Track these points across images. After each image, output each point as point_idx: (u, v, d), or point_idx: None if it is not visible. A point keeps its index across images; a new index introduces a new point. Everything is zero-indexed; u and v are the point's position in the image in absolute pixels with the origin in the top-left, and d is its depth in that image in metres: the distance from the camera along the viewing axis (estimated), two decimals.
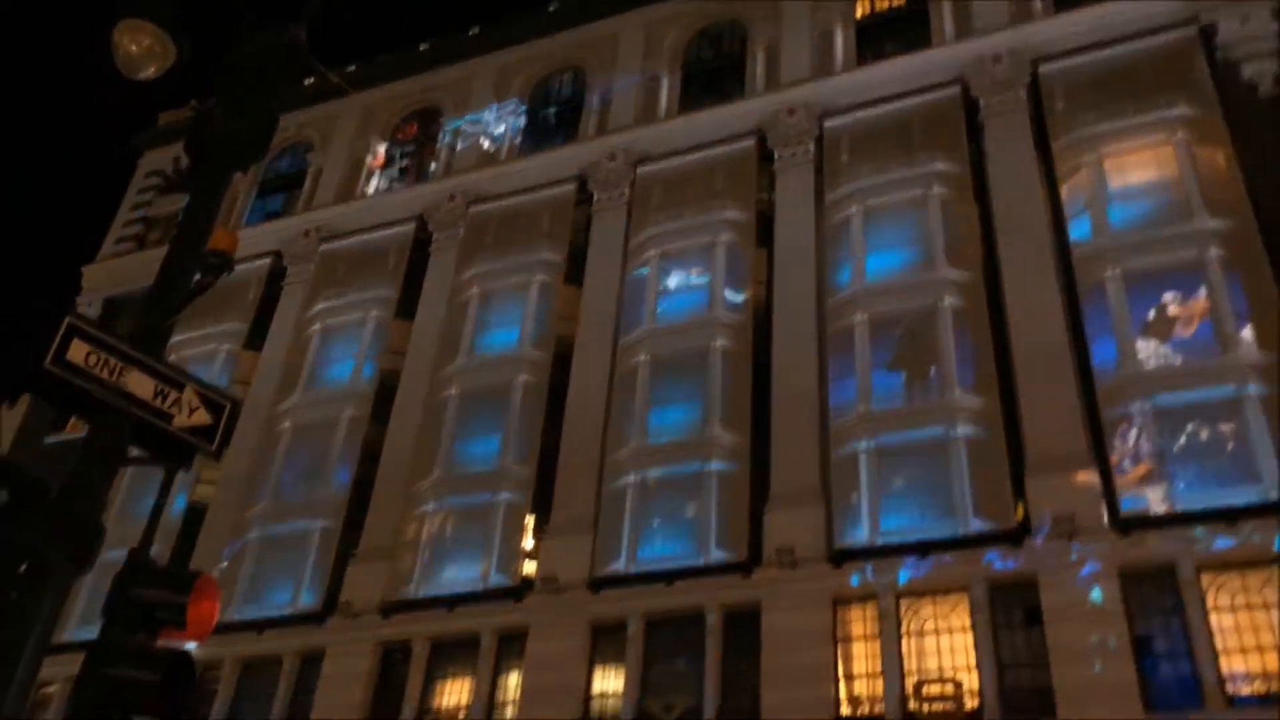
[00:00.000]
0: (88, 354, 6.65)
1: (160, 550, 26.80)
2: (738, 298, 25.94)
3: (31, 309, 6.65)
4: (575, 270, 28.59)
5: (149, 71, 8.11)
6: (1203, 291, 21.19)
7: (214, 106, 8.15)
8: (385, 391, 28.94)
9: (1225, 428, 19.63)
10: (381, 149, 35.52)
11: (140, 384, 6.84)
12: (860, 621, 20.84)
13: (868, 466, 21.96)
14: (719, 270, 26.47)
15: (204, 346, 32.15)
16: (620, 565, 23.03)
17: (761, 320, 25.25)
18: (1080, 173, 23.78)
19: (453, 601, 24.19)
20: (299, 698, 24.67)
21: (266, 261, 33.33)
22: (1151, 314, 21.39)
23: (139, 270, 32.65)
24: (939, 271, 23.77)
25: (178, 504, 28.69)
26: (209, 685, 25.30)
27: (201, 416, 7.14)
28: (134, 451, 7.21)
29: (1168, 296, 21.38)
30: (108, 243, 38.08)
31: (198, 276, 7.73)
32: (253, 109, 7.87)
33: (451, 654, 24.00)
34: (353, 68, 36.89)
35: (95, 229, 39.26)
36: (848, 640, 20.76)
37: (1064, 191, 23.76)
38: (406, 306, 30.40)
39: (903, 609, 20.57)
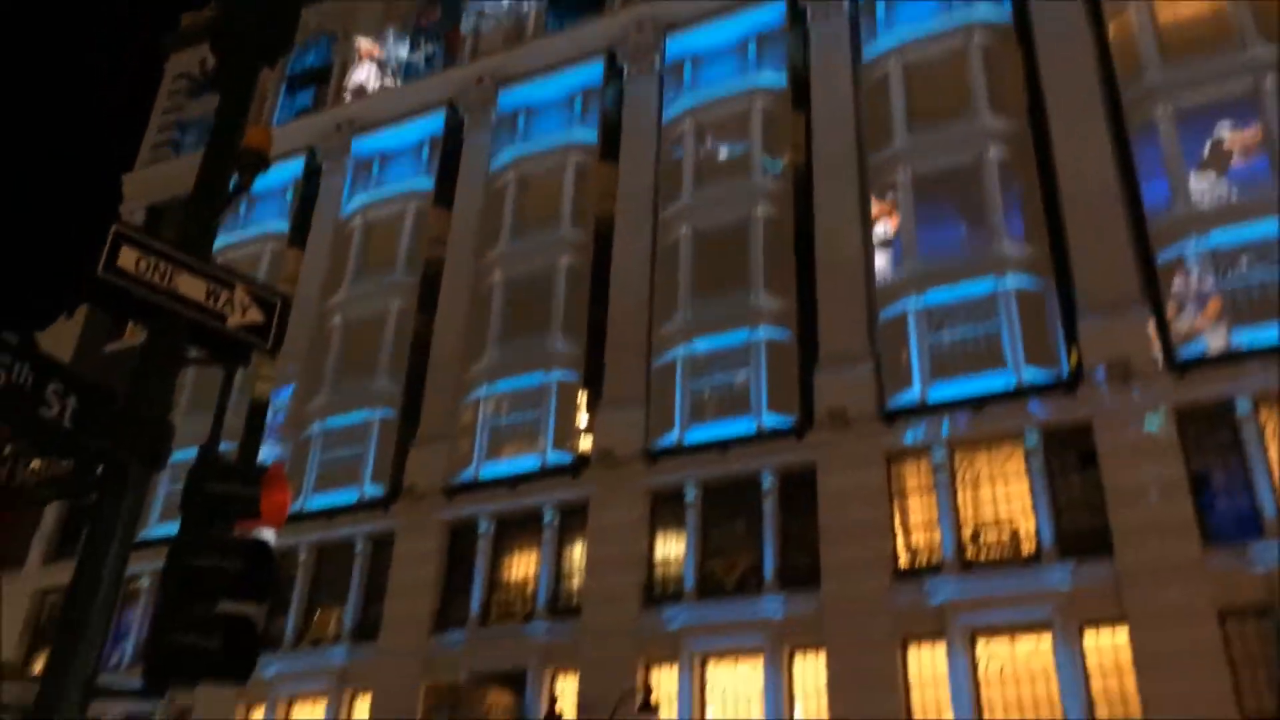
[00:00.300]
0: (137, 260, 6.77)
1: (230, 449, 27.73)
2: (777, 164, 25.53)
3: (78, 222, 6.76)
4: (610, 147, 28.22)
5: None
6: (1257, 122, 20.46)
7: (234, 2, 8.05)
8: (430, 281, 29.15)
9: (1274, 264, 19.18)
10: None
11: (191, 286, 6.98)
12: (915, 475, 21.09)
13: (917, 324, 21.87)
14: (756, 137, 26.00)
15: (248, 248, 32.54)
16: (674, 436, 23.38)
17: (803, 184, 24.85)
18: (1127, 11, 22.77)
19: (514, 481, 24.82)
20: (373, 578, 25.73)
21: (301, 159, 33.29)
22: (1205, 150, 20.73)
23: (178, 175, 32.86)
24: (983, 121, 23.13)
25: (241, 403, 29.50)
26: (288, 571, 26.41)
27: (254, 315, 7.28)
28: (192, 353, 7.39)
29: (1221, 130, 20.67)
30: (144, 150, 38.24)
31: (236, 176, 7.75)
32: (273, 1, 7.77)
33: (516, 530, 24.76)
34: None
35: (133, 137, 39.31)
36: (903, 495, 21.05)
37: (1111, 30, 22.80)
38: (444, 194, 30.32)
39: (957, 461, 20.75)
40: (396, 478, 26.35)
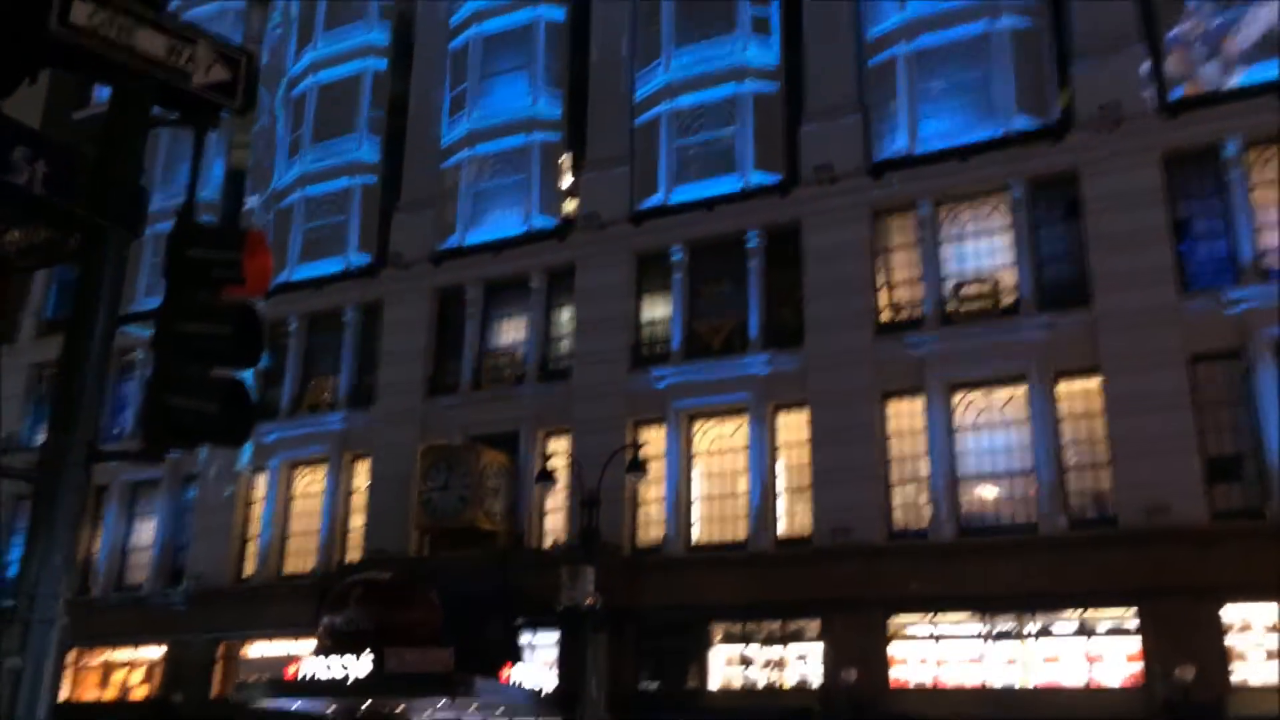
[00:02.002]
0: (91, 13, 6.40)
1: (208, 220, 27.38)
2: None
3: None
4: None
5: None
6: None
7: None
8: (402, 37, 27.93)
9: None
10: None
11: (151, 41, 6.63)
12: (900, 231, 21.12)
13: (906, 72, 21.25)
14: None
15: (211, 3, 30.90)
16: (660, 197, 23.15)
17: None
18: None
19: (499, 246, 24.73)
20: (365, 345, 26.09)
21: None
22: None
23: None
24: None
25: (217, 171, 28.93)
26: (280, 341, 26.72)
27: (219, 72, 6.95)
28: (161, 114, 7.12)
29: None
30: None
31: None
32: None
33: (504, 295, 24.92)
34: None
35: None
36: (887, 250, 21.14)
37: None
38: None
39: (941, 214, 20.71)
40: (382, 245, 26.23)
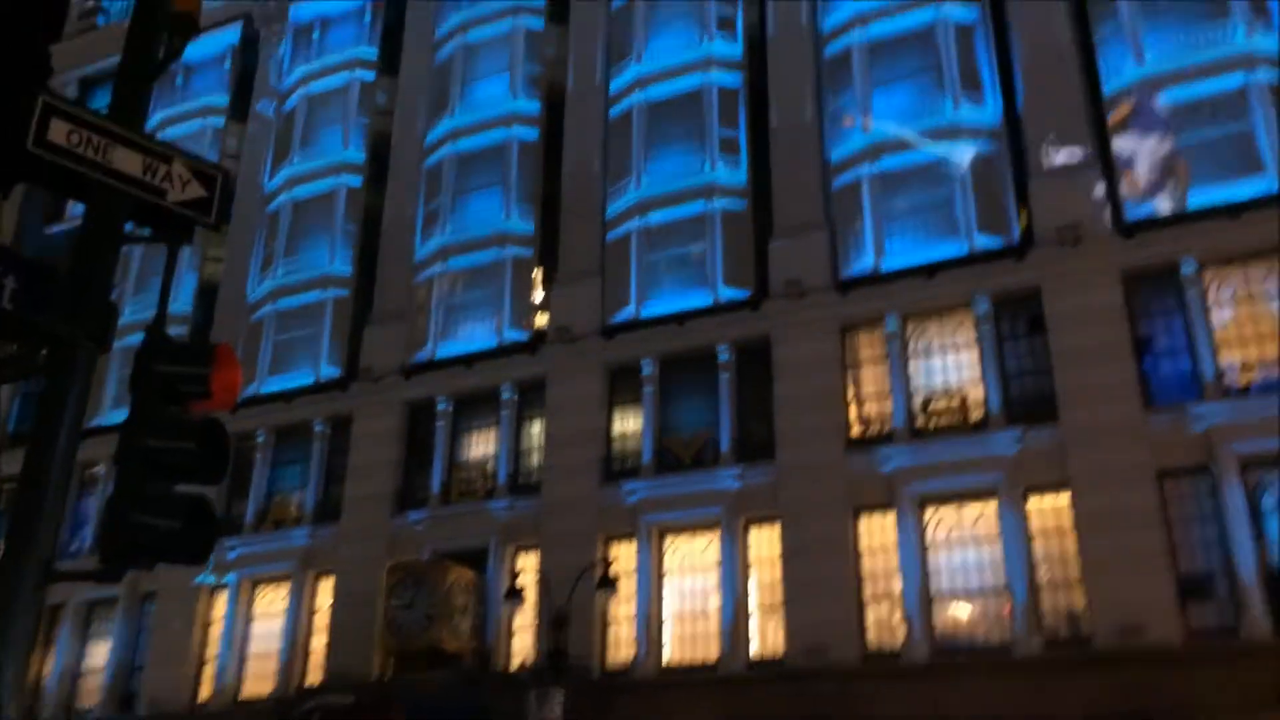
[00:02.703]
0: (69, 133, 6.49)
1: (178, 333, 27.32)
2: (730, 27, 24.86)
3: (5, 95, 6.41)
4: (559, 8, 27.29)
5: None
6: None
7: None
8: (378, 154, 28.43)
9: (1230, 119, 19.27)
10: None
11: (127, 159, 6.72)
12: (869, 346, 21.33)
13: (870, 192, 21.80)
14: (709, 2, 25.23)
15: (188, 122, 31.41)
16: (631, 310, 23.36)
17: (757, 51, 24.31)
18: None
19: (470, 359, 24.75)
20: (333, 459, 25.79)
21: (238, 26, 31.92)
22: (1156, 8, 20.48)
23: (109, 44, 31.38)
24: None
25: (189, 285, 28.99)
26: (247, 455, 26.38)
27: (195, 189, 7.04)
28: (135, 231, 7.16)
29: None
30: (71, 19, 36.41)
31: (165, 42, 7.39)
32: None
33: (474, 408, 24.82)
34: None
35: (59, 5, 37.30)
36: (856, 365, 21.32)
37: None
38: (389, 63, 29.31)
39: (909, 330, 20.99)
40: (353, 358, 26.17)
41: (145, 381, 6.60)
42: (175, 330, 26.89)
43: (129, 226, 7.00)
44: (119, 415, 24.33)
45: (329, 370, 26.43)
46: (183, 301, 28.43)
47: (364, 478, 24.85)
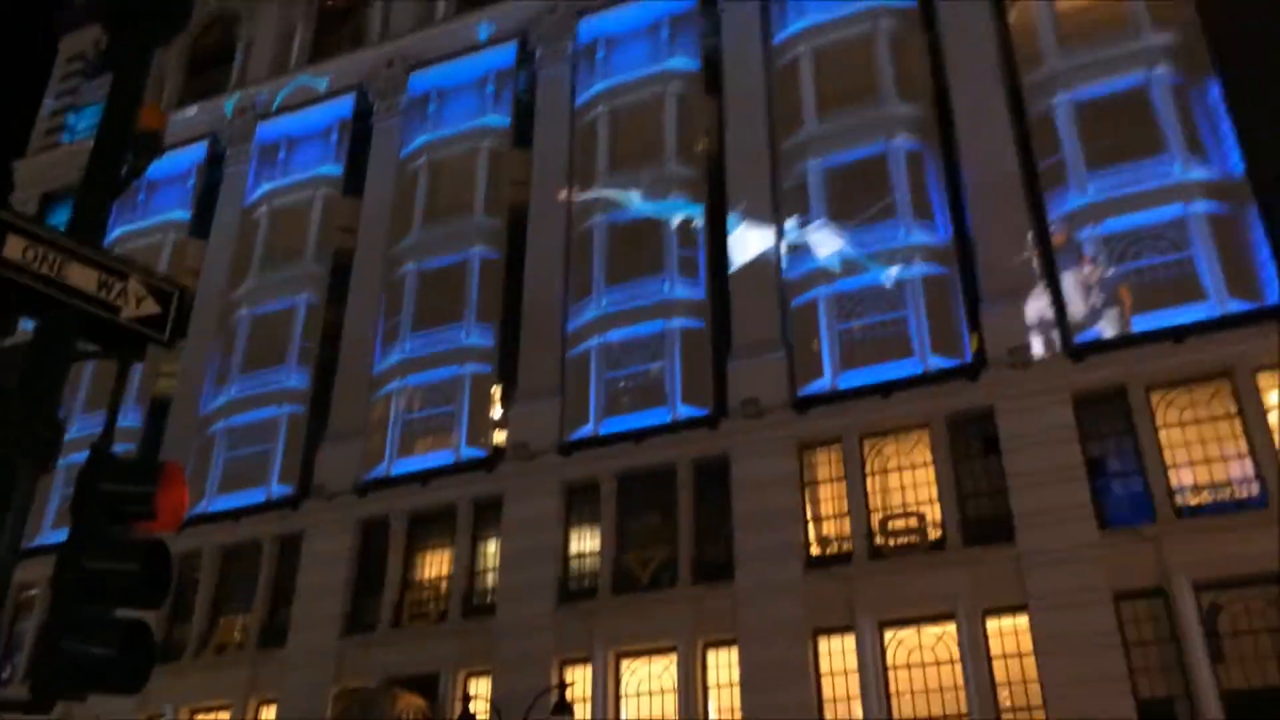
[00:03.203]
0: (25, 249, 6.43)
1: (127, 448, 26.81)
2: (690, 152, 25.53)
3: None
4: (523, 132, 27.93)
5: None
6: (1151, 111, 21.15)
7: None
8: (340, 271, 28.53)
9: (1175, 246, 19.95)
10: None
11: (83, 276, 6.65)
12: (826, 465, 21.37)
13: (826, 312, 22.14)
14: (670, 123, 25.95)
15: (148, 238, 31.44)
16: (589, 428, 23.30)
17: (716, 173, 24.94)
18: None
19: (426, 476, 24.44)
20: (281, 581, 25.10)
21: (203, 144, 32.29)
22: (1102, 138, 21.35)
23: (72, 161, 31.57)
24: (890, 108, 23.49)
25: (139, 399, 28.57)
26: (191, 575, 25.63)
27: (150, 306, 6.97)
28: (85, 346, 7.06)
29: (1118, 119, 21.33)
30: (36, 135, 36.68)
31: (129, 160, 7.41)
32: None
33: (429, 527, 24.41)
34: None
35: (24, 121, 37.59)
36: (814, 483, 21.32)
37: (1012, 16, 23.37)
38: (354, 182, 29.69)
39: (866, 449, 21.08)
40: (306, 476, 25.73)
41: (88, 501, 6.41)
42: (125, 446, 26.38)
43: (81, 343, 6.89)
44: (60, 535, 23.63)
45: (280, 488, 25.94)
46: (133, 417, 28.00)
47: (313, 599, 24.17)
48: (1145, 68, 21.50)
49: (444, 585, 23.64)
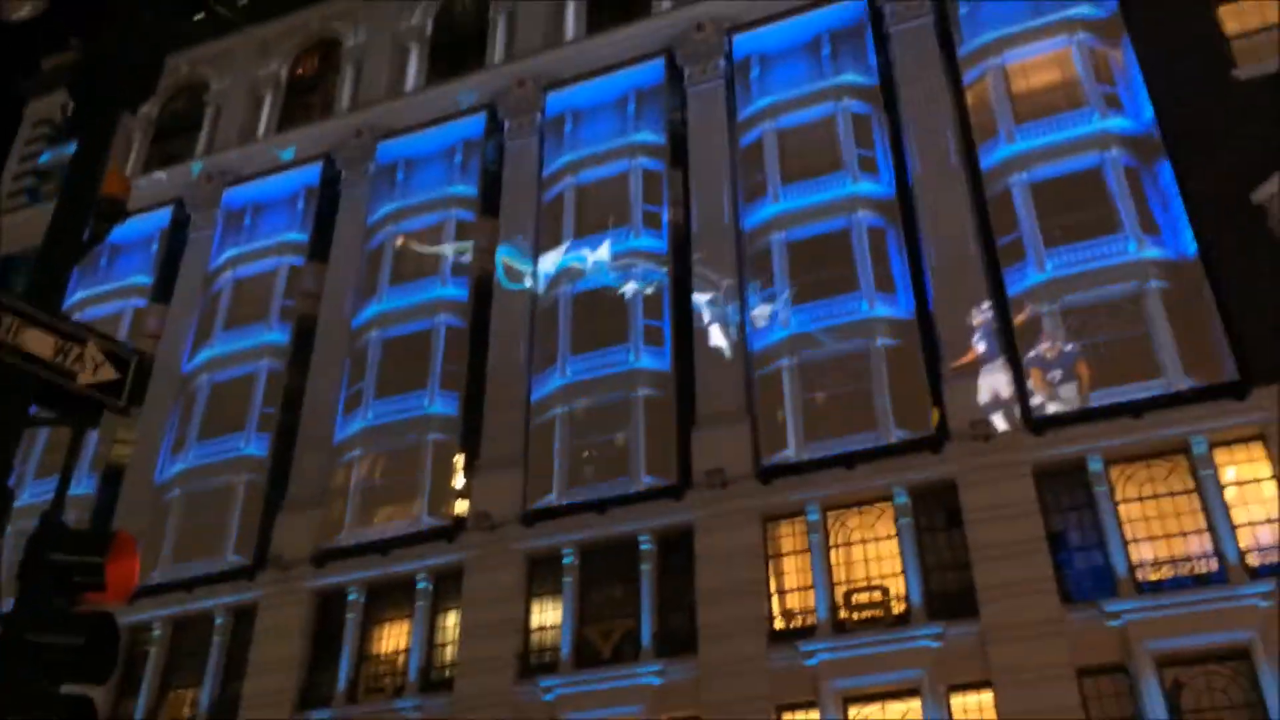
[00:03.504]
0: None
1: (80, 516, 26.23)
2: (656, 224, 25.80)
3: None
4: (490, 202, 28.13)
5: (23, 12, 7.66)
6: (1106, 192, 21.68)
7: (97, 44, 7.72)
8: (303, 337, 28.35)
9: (1130, 323, 20.34)
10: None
11: (39, 342, 6.57)
12: (790, 537, 21.30)
13: (791, 383, 22.25)
14: (635, 193, 26.23)
15: (109, 303, 31.14)
16: (553, 498, 23.11)
17: (681, 244, 25.20)
18: (985, 80, 24.01)
19: (386, 546, 24.06)
20: (234, 654, 24.47)
21: (168, 210, 32.19)
22: (1058, 215, 21.83)
23: (34, 225, 31.21)
24: (853, 186, 23.91)
25: (93, 465, 28.02)
26: (141, 647, 24.95)
27: (107, 372, 6.89)
28: (40, 413, 6.94)
29: (1074, 197, 21.85)
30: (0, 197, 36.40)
31: (91, 225, 7.37)
32: (138, 44, 7.47)
33: (388, 598, 23.98)
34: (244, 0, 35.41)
35: None
36: (779, 556, 21.23)
37: (970, 99, 24.01)
38: (319, 249, 29.67)
39: (830, 521, 21.05)
40: (262, 545, 25.21)
41: (36, 571, 6.27)
42: (77, 514, 25.80)
43: (33, 408, 6.78)
44: (4, 607, 22.99)
45: (235, 557, 25.40)
46: (86, 484, 27.41)
47: (265, 674, 23.54)
48: (1100, 150, 22.10)
49: (401, 659, 23.15)
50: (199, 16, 31.97)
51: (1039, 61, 23.87)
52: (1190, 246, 20.43)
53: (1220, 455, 18.95)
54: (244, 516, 25.91)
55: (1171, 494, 19.08)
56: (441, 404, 25.55)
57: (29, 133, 37.69)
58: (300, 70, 34.72)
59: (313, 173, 30.91)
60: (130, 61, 7.41)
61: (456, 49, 32.19)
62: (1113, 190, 21.61)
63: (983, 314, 21.52)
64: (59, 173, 34.72)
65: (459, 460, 24.67)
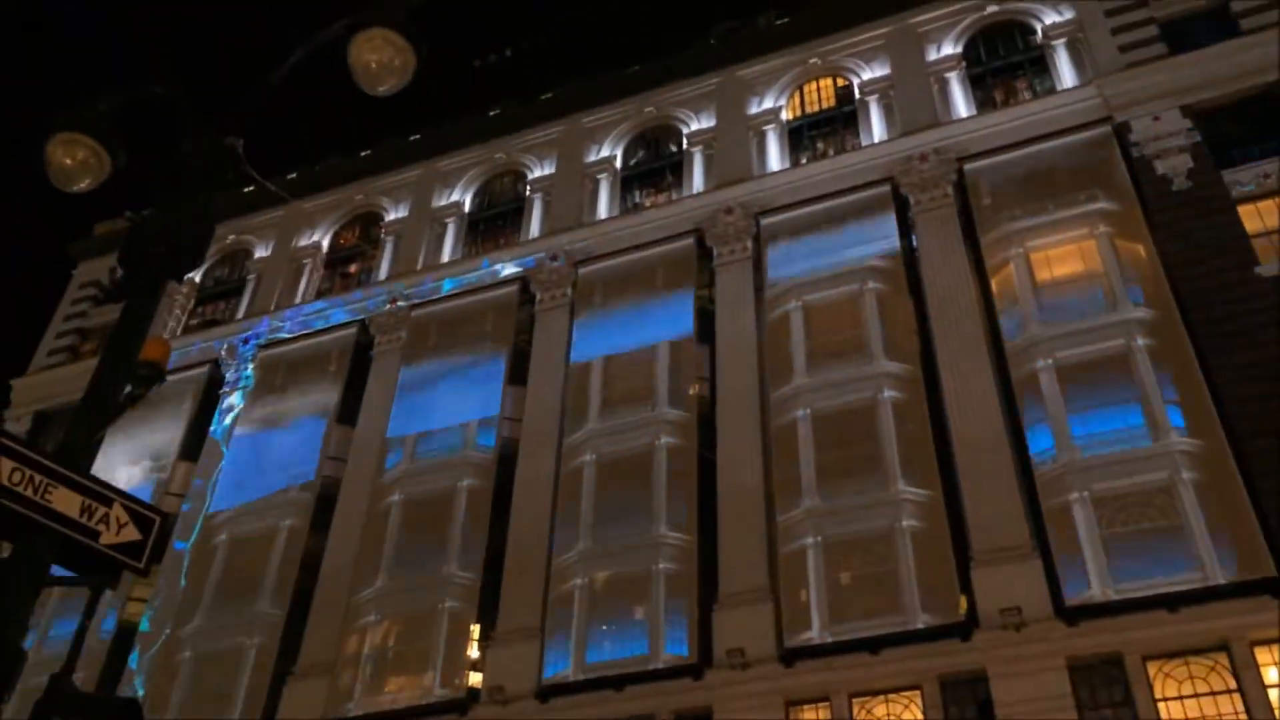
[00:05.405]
0: (12, 471, 6.41)
1: (90, 674, 25.72)
2: (681, 398, 25.96)
3: None
4: (519, 370, 28.50)
5: (83, 184, 8.02)
6: (1131, 379, 21.64)
7: (149, 215, 8.04)
8: (326, 499, 28.31)
9: (1163, 513, 19.89)
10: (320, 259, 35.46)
11: (66, 501, 6.60)
12: None
13: (815, 563, 21.82)
14: (663, 367, 26.50)
15: (138, 460, 31.33)
16: (569, 672, 22.46)
17: (707, 417, 25.26)
18: (1008, 266, 24.42)
19: (395, 718, 23.31)
20: None
21: (204, 370, 32.79)
22: (1086, 403, 21.74)
23: (71, 382, 31.87)
24: (878, 365, 24.04)
25: (107, 624, 27.63)
26: None
27: (130, 533, 6.88)
28: (59, 572, 6.91)
29: (1100, 384, 21.80)
30: (39, 355, 37.21)
31: (128, 388, 7.51)
32: (188, 217, 7.76)
33: None
34: (293, 174, 37.01)
35: (27, 342, 38.32)
36: None
37: (994, 285, 24.36)
38: (348, 411, 29.99)
39: (855, 708, 20.26)
40: (269, 713, 24.52)
41: None
42: (87, 674, 25.29)
43: (56, 568, 6.76)
44: None
45: None
46: (98, 642, 26.94)
47: None
48: (1124, 337, 22.17)
49: None
50: (248, 189, 33.39)
51: (1062, 252, 24.27)
52: (1220, 438, 20.19)
53: (1261, 654, 18.19)
54: (252, 683, 25.24)
55: (1213, 693, 18.23)
56: (460, 571, 25.16)
57: (75, 293, 38.86)
58: (341, 241, 35.96)
59: (347, 337, 31.54)
60: (181, 234, 7.69)
61: (492, 225, 33.40)
62: (1140, 374, 21.55)
63: (1012, 497, 21.14)
64: (100, 333, 35.64)
65: (475, 630, 24.17)
